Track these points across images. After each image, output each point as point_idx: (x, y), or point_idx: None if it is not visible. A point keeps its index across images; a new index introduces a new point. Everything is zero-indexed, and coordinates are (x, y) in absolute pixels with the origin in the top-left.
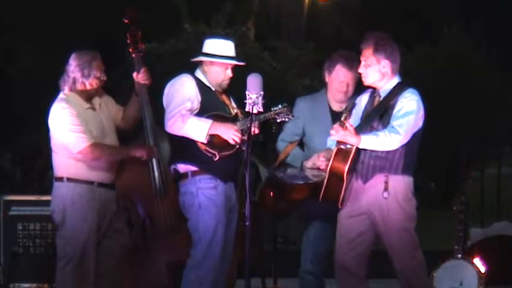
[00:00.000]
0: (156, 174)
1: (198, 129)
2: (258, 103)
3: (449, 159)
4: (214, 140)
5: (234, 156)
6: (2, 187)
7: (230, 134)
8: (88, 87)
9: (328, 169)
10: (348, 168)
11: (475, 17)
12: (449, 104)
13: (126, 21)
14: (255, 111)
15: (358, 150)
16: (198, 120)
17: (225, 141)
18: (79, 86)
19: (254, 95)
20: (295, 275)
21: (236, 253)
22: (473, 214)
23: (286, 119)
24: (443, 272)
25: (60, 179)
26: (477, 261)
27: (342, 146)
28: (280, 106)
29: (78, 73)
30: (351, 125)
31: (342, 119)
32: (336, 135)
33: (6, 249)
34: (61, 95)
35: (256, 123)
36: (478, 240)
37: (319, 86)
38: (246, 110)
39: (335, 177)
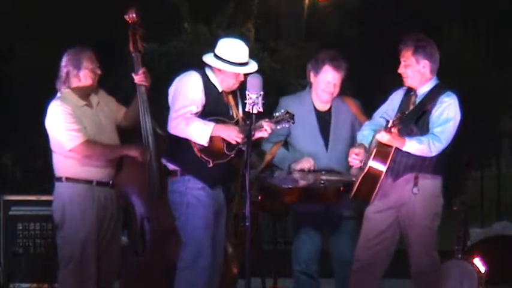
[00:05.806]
0: (154, 174)
1: (201, 133)
2: (258, 103)
3: (450, 159)
4: (211, 148)
5: (226, 163)
6: (2, 187)
7: (232, 135)
8: (82, 80)
9: (366, 168)
10: (386, 169)
11: (475, 17)
12: None
13: (128, 19)
14: (254, 111)
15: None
16: (201, 123)
17: (220, 149)
18: (74, 81)
19: (254, 95)
20: None
21: (237, 253)
22: (473, 214)
23: (287, 126)
24: (443, 272)
25: (60, 179)
26: (477, 261)
27: (381, 148)
28: (282, 111)
29: (70, 67)
30: (396, 130)
31: (389, 125)
32: (382, 139)
33: (6, 249)
34: (58, 94)
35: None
36: (478, 240)
37: None
38: (246, 110)
39: (371, 177)
